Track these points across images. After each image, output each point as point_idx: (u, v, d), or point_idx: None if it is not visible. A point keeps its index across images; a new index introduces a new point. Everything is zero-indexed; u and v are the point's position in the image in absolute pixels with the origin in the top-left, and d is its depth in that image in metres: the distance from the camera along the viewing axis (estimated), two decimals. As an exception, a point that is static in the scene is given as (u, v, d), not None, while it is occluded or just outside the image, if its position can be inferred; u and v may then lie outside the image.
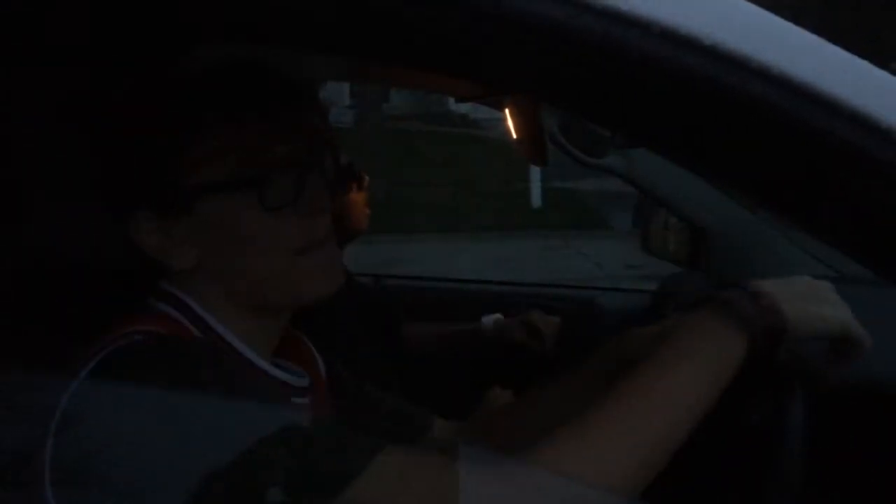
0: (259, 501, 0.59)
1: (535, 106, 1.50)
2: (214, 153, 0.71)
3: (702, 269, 1.86)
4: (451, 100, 2.09)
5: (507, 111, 1.70)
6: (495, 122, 1.91)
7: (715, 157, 0.49)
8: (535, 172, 10.17)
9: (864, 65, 0.47)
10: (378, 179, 1.70)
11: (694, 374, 0.66)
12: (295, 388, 0.80)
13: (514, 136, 1.70)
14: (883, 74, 0.47)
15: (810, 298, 0.73)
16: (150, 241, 0.72)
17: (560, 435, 0.63)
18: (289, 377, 0.79)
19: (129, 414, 0.61)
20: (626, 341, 0.88)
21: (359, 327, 1.52)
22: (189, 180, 0.71)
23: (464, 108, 14.72)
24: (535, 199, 10.50)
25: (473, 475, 0.62)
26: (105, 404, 0.63)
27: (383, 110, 12.63)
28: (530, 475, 0.61)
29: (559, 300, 2.25)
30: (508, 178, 11.39)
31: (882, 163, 0.44)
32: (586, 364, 0.90)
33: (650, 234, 2.12)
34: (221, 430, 0.61)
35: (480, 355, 1.83)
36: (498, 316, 1.81)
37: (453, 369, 1.87)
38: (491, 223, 9.36)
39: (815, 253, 1.73)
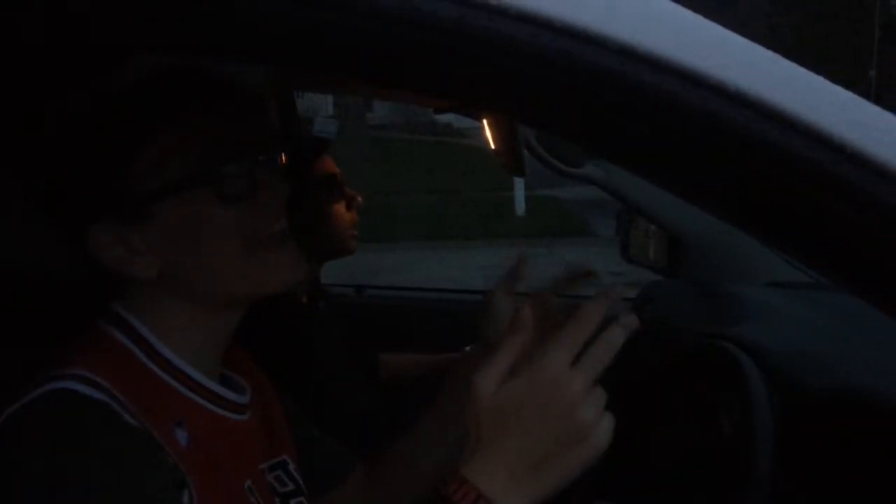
0: None
1: (511, 116, 1.51)
2: (165, 155, 0.72)
3: (681, 277, 1.88)
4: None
5: (484, 122, 1.71)
6: (478, 131, 1.92)
7: (673, 171, 0.50)
8: (519, 181, 10.20)
9: (819, 80, 0.48)
10: (361, 189, 1.67)
11: None
12: (237, 404, 0.82)
13: (492, 146, 1.71)
14: (836, 90, 0.48)
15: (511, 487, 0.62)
16: (109, 253, 0.73)
17: None
18: (232, 395, 0.81)
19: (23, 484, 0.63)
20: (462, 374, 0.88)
21: (334, 358, 1.52)
22: (144, 186, 0.72)
23: (446, 117, 14.76)
24: (519, 206, 10.54)
25: None
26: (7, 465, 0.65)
27: (367, 120, 12.62)
28: None
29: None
30: (492, 187, 11.43)
31: (835, 176, 0.45)
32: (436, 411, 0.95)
33: (630, 242, 2.14)
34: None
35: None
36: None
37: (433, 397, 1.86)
38: (475, 231, 9.38)
39: (791, 260, 1.75)
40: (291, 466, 0.89)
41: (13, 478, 0.64)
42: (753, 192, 0.48)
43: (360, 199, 1.62)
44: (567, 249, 8.19)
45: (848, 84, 0.49)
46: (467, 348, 1.76)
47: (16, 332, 0.80)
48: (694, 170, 0.49)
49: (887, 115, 0.48)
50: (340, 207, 1.58)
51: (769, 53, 0.48)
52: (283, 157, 0.80)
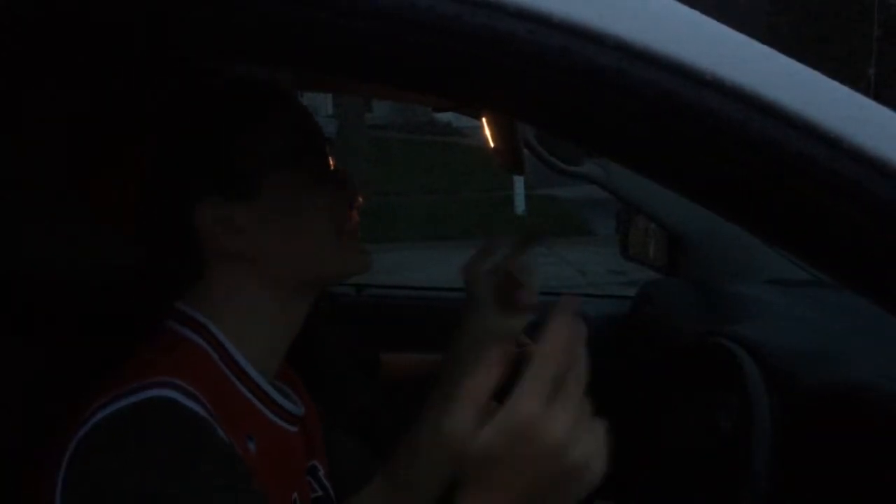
0: None
1: (510, 115, 1.51)
2: (262, 137, 0.77)
3: (680, 275, 1.88)
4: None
5: (483, 120, 1.71)
6: (478, 131, 1.93)
7: (671, 168, 0.50)
8: (519, 180, 10.21)
9: (816, 76, 0.48)
10: (361, 189, 1.67)
11: None
12: (292, 415, 0.82)
13: (492, 144, 1.71)
14: (834, 85, 0.48)
15: None
16: (215, 230, 0.75)
17: None
18: (289, 405, 0.82)
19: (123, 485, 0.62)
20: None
21: (336, 357, 1.52)
22: (245, 163, 0.76)
23: (446, 116, 14.77)
24: (519, 206, 10.54)
25: None
26: (100, 471, 0.63)
27: (366, 120, 12.62)
28: None
29: (541, 307, 2.25)
30: (492, 186, 11.43)
31: (833, 172, 0.45)
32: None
33: (629, 241, 2.14)
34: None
35: None
36: None
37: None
38: (475, 231, 9.37)
39: (791, 257, 1.75)
40: (322, 472, 0.89)
41: (117, 485, 0.62)
42: (751, 189, 0.48)
43: (361, 199, 1.62)
44: (566, 249, 8.19)
45: (847, 82, 0.49)
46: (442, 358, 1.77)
47: (76, 334, 0.80)
48: (692, 166, 0.49)
49: (885, 110, 0.48)
50: None
51: (766, 49, 0.48)
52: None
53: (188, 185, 0.75)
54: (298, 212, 0.77)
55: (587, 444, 0.54)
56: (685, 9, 0.50)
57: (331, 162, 0.85)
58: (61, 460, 0.64)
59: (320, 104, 12.53)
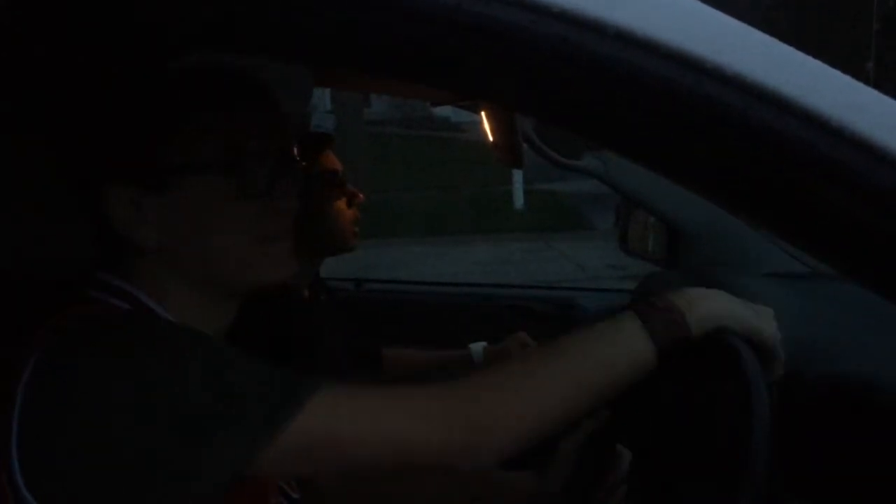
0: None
1: (509, 106, 1.51)
2: (196, 138, 0.74)
3: (680, 268, 1.88)
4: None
5: (482, 114, 1.71)
6: (476, 127, 1.93)
7: (671, 157, 0.50)
8: (518, 175, 10.20)
9: (816, 64, 0.48)
10: (359, 185, 1.66)
11: (600, 362, 0.75)
12: None
13: (490, 138, 1.71)
14: (834, 73, 0.48)
15: (714, 314, 0.79)
16: (120, 213, 0.74)
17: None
18: None
19: (94, 377, 0.64)
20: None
21: (340, 350, 1.52)
22: (170, 160, 0.74)
23: (445, 112, 14.74)
24: (518, 201, 10.53)
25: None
26: (70, 372, 0.64)
27: (364, 116, 12.60)
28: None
29: (541, 301, 2.26)
30: (490, 181, 11.42)
31: (833, 160, 0.45)
32: None
33: (629, 234, 2.14)
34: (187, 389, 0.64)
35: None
36: (484, 344, 1.80)
37: None
38: (473, 226, 9.37)
39: (790, 250, 1.75)
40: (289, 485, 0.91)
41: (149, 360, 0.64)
42: (751, 178, 0.48)
43: (361, 196, 1.62)
44: (565, 244, 8.19)
45: (845, 76, 0.49)
46: (471, 345, 1.77)
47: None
48: (691, 155, 0.49)
49: (885, 98, 0.48)
50: (342, 204, 1.58)
51: (766, 37, 0.48)
52: (298, 157, 0.82)
53: (97, 165, 0.76)
54: (209, 216, 0.75)
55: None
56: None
57: (295, 166, 0.82)
58: (12, 408, 0.64)
59: (318, 100, 12.51)
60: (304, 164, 0.86)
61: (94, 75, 0.83)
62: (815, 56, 0.49)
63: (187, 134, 0.74)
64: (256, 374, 0.67)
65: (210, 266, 0.77)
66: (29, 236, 0.83)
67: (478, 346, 1.78)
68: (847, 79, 0.48)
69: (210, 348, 0.68)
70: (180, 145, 0.74)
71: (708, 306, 0.79)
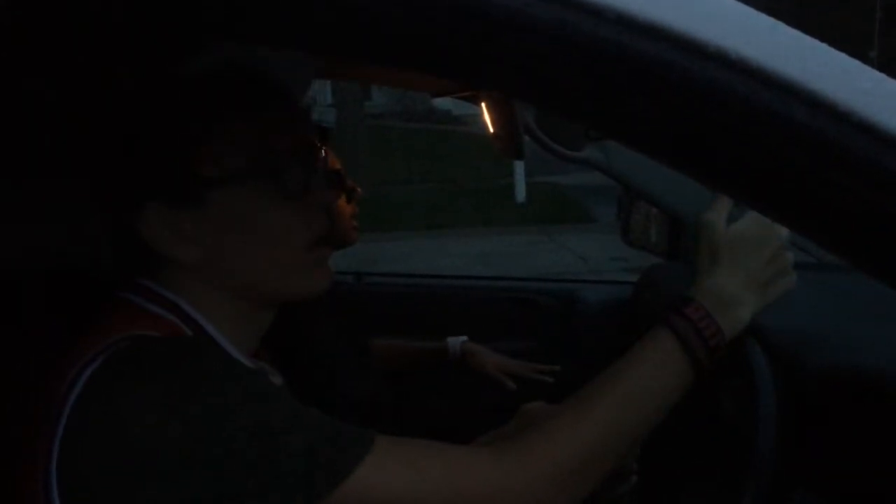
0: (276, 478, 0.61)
1: (509, 99, 1.50)
2: (228, 146, 0.72)
3: (682, 260, 1.86)
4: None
5: (482, 105, 1.69)
6: (477, 119, 1.91)
7: (673, 144, 0.49)
8: (519, 167, 10.18)
9: (822, 47, 0.46)
10: (360, 178, 1.66)
11: (644, 404, 0.74)
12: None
13: (490, 129, 1.69)
14: (840, 56, 0.46)
15: (744, 318, 0.81)
16: (159, 234, 0.72)
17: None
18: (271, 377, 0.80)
19: (143, 412, 0.61)
20: (529, 414, 0.93)
21: (336, 345, 1.51)
22: (204, 172, 0.71)
23: (446, 105, 14.72)
24: (520, 193, 10.51)
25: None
26: (118, 405, 0.62)
27: (365, 109, 12.58)
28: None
29: (543, 294, 2.25)
30: (492, 174, 11.41)
31: (840, 145, 0.44)
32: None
33: (631, 226, 2.12)
34: (236, 422, 0.62)
35: (448, 376, 1.81)
36: (464, 338, 1.80)
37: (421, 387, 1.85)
38: (475, 219, 9.36)
39: (795, 240, 1.73)
40: None
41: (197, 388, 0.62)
42: (756, 164, 0.47)
43: (359, 190, 1.61)
44: (567, 236, 8.18)
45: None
46: (448, 339, 1.77)
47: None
48: (694, 142, 0.48)
49: (892, 81, 0.47)
50: (341, 200, 1.57)
51: (770, 20, 0.46)
52: (325, 162, 0.81)
53: (131, 188, 0.73)
54: (251, 225, 0.73)
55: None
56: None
57: (327, 160, 0.81)
58: (55, 428, 0.62)
59: (319, 93, 12.50)
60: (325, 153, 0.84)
61: (109, 86, 0.82)
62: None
63: (217, 143, 0.72)
64: (305, 430, 0.64)
65: (256, 276, 0.75)
66: (66, 237, 0.82)
67: (455, 340, 1.77)
68: (855, 63, 0.46)
69: (262, 396, 0.65)
70: (213, 156, 0.71)
71: (741, 315, 0.80)
